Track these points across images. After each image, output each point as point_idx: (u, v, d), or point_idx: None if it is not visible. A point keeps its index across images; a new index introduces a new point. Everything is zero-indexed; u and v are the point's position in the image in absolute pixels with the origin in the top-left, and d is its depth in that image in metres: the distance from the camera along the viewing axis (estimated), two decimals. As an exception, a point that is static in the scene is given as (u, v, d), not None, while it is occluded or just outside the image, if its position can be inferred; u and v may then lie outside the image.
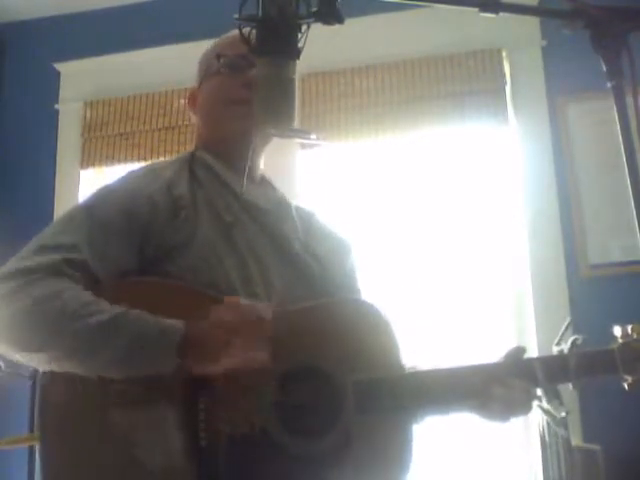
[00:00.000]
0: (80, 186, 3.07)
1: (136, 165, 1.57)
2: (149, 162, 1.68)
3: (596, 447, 2.10)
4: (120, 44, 3.09)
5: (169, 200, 1.24)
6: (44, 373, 1.16)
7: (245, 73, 1.30)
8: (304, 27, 0.98)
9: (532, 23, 2.69)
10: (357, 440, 1.13)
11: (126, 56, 3.08)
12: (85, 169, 3.08)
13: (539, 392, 1.20)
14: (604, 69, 0.96)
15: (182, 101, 2.89)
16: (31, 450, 2.35)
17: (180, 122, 2.97)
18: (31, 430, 2.30)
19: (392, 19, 2.76)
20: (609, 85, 0.96)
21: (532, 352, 2.41)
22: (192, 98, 1.44)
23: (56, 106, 3.16)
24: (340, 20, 0.97)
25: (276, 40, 0.96)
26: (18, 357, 1.13)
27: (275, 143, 1.41)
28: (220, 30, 1.41)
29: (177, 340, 1.08)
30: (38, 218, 2.63)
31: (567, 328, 1.28)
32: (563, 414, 1.21)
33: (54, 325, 1.09)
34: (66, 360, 1.10)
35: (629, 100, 0.93)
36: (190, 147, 1.44)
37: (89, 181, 3.06)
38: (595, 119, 2.59)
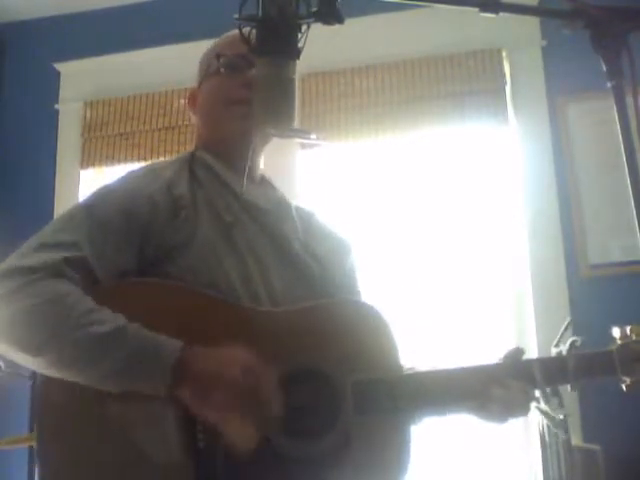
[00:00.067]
0: (80, 186, 3.07)
1: (136, 165, 1.57)
2: (149, 162, 1.67)
3: (596, 447, 2.10)
4: (120, 44, 3.08)
5: (169, 200, 1.24)
6: (43, 372, 1.15)
7: (245, 73, 1.30)
8: (304, 27, 0.98)
9: (532, 23, 2.69)
10: (356, 441, 1.13)
11: (126, 56, 3.08)
12: (85, 169, 3.08)
13: (537, 393, 1.20)
14: (604, 69, 0.96)
15: (182, 101, 2.89)
16: (31, 450, 2.35)
17: (180, 122, 2.97)
18: (31, 430, 2.29)
19: (392, 19, 2.76)
20: (609, 85, 0.96)
21: (532, 352, 2.41)
22: (192, 98, 1.44)
23: (56, 106, 3.15)
24: (340, 20, 0.97)
25: (276, 40, 0.95)
26: (17, 358, 1.13)
27: (275, 143, 1.41)
28: (220, 30, 1.41)
29: (172, 363, 1.06)
30: (38, 218, 2.60)
31: (567, 328, 1.28)
32: (561, 416, 1.20)
33: (54, 329, 1.09)
34: (65, 369, 1.10)
35: (629, 100, 0.93)
36: (190, 147, 1.44)
37: (89, 181, 3.06)
38: (595, 119, 2.59)
